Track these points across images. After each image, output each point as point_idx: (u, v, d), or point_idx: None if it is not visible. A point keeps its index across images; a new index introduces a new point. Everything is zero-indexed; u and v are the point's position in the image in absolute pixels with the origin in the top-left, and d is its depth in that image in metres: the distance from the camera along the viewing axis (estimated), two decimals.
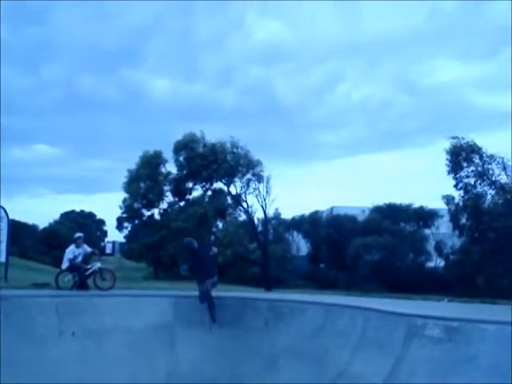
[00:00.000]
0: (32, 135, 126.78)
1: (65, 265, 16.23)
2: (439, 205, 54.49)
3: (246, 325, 13.87)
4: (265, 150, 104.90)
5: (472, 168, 40.62)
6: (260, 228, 46.36)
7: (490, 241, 38.47)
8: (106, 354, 12.89)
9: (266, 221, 43.45)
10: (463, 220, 43.09)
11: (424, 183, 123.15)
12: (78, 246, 16.47)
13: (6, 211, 18.91)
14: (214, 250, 14.79)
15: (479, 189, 40.96)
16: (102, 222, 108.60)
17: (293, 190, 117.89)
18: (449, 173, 41.16)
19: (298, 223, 62.60)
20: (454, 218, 43.72)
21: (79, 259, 16.42)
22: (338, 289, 51.88)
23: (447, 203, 43.77)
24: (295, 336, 12.96)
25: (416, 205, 59.76)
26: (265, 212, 41.71)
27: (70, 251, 16.29)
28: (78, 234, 17.03)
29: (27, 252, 56.60)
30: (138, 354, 13.15)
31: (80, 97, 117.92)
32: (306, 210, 65.59)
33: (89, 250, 17.00)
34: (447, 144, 40.68)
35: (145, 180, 44.22)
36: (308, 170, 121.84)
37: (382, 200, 62.31)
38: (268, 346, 13.19)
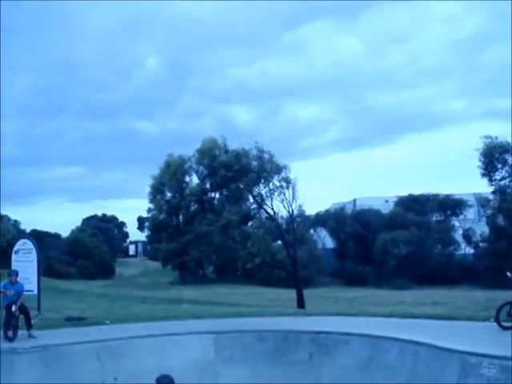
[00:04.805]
0: None
1: None
2: (461, 190, 54.65)
3: (289, 359, 13.53)
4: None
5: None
6: (284, 226, 45.19)
7: None
8: None
9: (293, 228, 41.36)
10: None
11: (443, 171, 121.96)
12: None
13: (34, 243, 18.66)
14: None
15: None
16: (123, 224, 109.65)
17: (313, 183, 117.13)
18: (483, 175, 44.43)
19: (322, 219, 62.25)
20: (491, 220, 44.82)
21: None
22: (366, 285, 51.61)
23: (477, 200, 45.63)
24: (341, 370, 12.65)
25: (435, 192, 59.73)
26: (291, 216, 40.37)
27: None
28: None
29: (52, 264, 56.78)
30: None
31: None
32: (328, 203, 65.00)
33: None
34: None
35: (169, 190, 43.83)
36: (325, 162, 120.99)
37: (404, 190, 62.16)
38: (314, 381, 12.88)
